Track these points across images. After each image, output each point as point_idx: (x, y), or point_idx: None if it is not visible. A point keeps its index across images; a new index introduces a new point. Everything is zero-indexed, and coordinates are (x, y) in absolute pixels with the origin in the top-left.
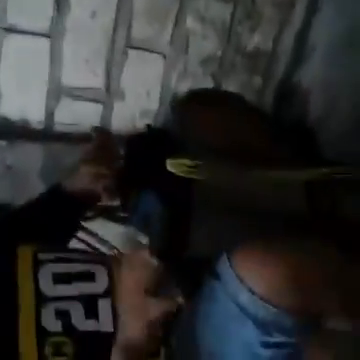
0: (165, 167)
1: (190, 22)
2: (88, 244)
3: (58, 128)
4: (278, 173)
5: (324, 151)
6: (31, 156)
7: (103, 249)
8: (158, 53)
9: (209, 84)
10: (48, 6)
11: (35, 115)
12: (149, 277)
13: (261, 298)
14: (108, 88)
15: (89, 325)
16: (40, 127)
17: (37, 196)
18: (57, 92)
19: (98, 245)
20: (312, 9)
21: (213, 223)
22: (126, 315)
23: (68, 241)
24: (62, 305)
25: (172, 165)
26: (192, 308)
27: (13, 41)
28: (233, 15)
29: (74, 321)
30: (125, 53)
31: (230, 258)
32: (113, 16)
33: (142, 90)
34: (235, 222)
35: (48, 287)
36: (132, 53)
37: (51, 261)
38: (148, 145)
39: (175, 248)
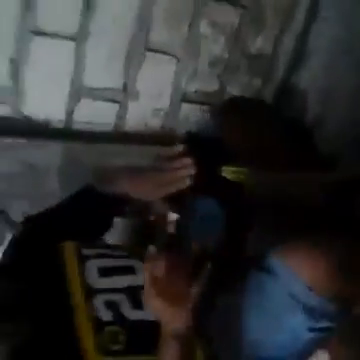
0: (218, 173)
1: (203, 27)
2: None
3: (76, 126)
4: (305, 175)
5: (321, 149)
6: (51, 154)
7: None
8: (172, 56)
9: (215, 85)
10: (75, 11)
11: (56, 114)
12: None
13: (310, 288)
14: (125, 88)
15: (137, 314)
16: (60, 126)
17: (73, 194)
18: (78, 92)
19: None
20: (312, 14)
21: (262, 223)
22: (167, 308)
23: (102, 237)
24: (109, 297)
25: (227, 172)
26: (235, 300)
27: (40, 43)
28: (241, 20)
29: (123, 311)
30: (143, 55)
31: (282, 254)
32: (133, 21)
33: (155, 91)
34: (281, 221)
35: (95, 280)
36: (149, 55)
37: (94, 256)
38: (202, 152)
39: (233, 248)
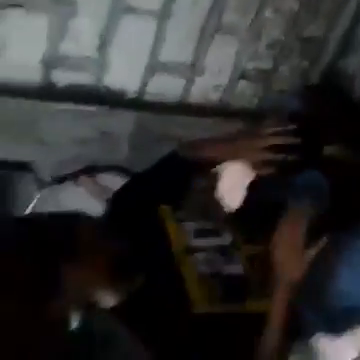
0: (320, 151)
1: (268, 12)
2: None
3: (147, 98)
4: None
5: None
6: (123, 122)
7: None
8: (236, 36)
9: (269, 64)
10: None
11: (131, 85)
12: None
13: None
14: (194, 65)
15: (231, 269)
16: (134, 96)
17: (160, 160)
18: (154, 66)
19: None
20: None
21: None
22: (290, 260)
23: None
24: (205, 254)
25: (330, 150)
26: (331, 253)
27: (128, 20)
28: (300, 7)
29: (218, 266)
30: (212, 36)
31: None
32: (210, 4)
33: (217, 68)
34: None
35: (191, 240)
36: (218, 36)
37: (187, 219)
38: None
39: (338, 214)
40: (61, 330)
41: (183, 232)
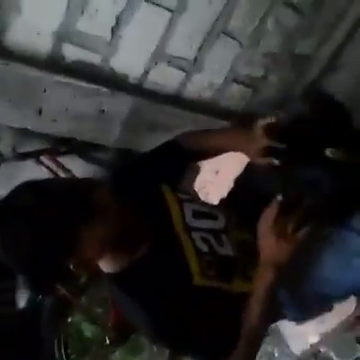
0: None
1: (270, 23)
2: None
3: (147, 86)
4: None
5: None
6: (120, 105)
7: None
8: (238, 41)
9: (260, 72)
10: None
11: (134, 71)
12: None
13: None
14: (195, 61)
15: (222, 250)
16: (134, 82)
17: (162, 144)
18: (158, 56)
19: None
20: (352, 33)
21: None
22: (276, 243)
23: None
24: (202, 234)
25: (332, 153)
26: (322, 242)
27: (144, 9)
28: (297, 24)
29: (214, 246)
30: (218, 36)
31: None
32: (223, 6)
33: (215, 67)
34: None
35: (190, 220)
36: (222, 37)
37: (187, 200)
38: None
39: (337, 209)
40: None
41: (183, 211)
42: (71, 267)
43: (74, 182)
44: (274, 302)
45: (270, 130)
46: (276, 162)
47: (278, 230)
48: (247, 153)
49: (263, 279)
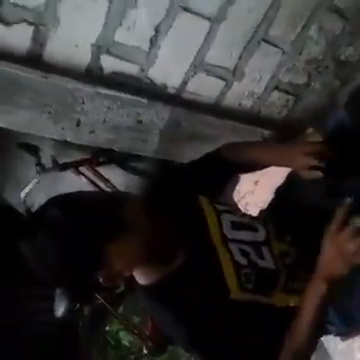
0: None
1: (313, 30)
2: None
3: (185, 96)
4: None
5: None
6: (158, 115)
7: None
8: (280, 49)
9: (304, 79)
10: None
11: (173, 81)
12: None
13: None
14: (235, 69)
15: (262, 263)
16: (173, 92)
17: (204, 156)
18: (197, 66)
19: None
20: None
21: None
22: (337, 260)
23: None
24: (240, 246)
25: None
26: None
27: (183, 18)
28: (342, 30)
29: (253, 259)
30: (258, 44)
31: None
32: (262, 14)
33: (256, 76)
34: None
35: (228, 231)
36: (263, 45)
37: (224, 211)
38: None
39: None
40: None
41: (220, 222)
42: (100, 280)
43: (105, 196)
44: (324, 319)
45: (316, 150)
46: (322, 175)
47: (340, 244)
48: (293, 168)
49: (316, 293)
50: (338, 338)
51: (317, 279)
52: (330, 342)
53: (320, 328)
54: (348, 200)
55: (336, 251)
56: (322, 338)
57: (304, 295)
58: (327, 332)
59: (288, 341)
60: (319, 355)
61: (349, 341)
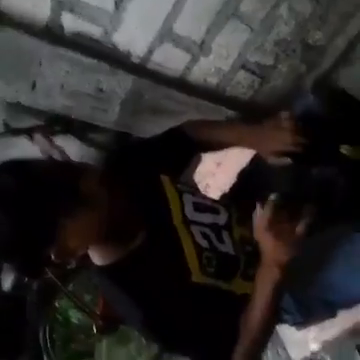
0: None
1: (283, 9)
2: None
3: (150, 66)
4: None
5: None
6: (120, 84)
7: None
8: (249, 26)
9: (270, 61)
10: None
11: (138, 50)
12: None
13: None
14: (202, 43)
15: (223, 247)
16: (137, 61)
17: (166, 131)
18: (164, 36)
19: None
20: None
21: None
22: (275, 242)
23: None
24: (201, 229)
25: (346, 150)
26: (333, 247)
27: None
28: (311, 12)
29: (214, 242)
30: (228, 19)
31: None
32: None
33: (223, 52)
34: None
35: (190, 212)
36: (232, 20)
37: (187, 192)
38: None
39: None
40: None
41: (182, 203)
42: (52, 256)
43: (63, 166)
44: (278, 305)
45: (287, 135)
46: (290, 161)
47: (275, 230)
48: (260, 151)
49: (267, 279)
50: (293, 328)
51: (266, 266)
52: (285, 331)
53: (274, 315)
54: (273, 196)
55: (273, 236)
56: (277, 327)
57: (256, 282)
58: (283, 321)
59: (243, 329)
60: (274, 344)
61: (304, 331)
